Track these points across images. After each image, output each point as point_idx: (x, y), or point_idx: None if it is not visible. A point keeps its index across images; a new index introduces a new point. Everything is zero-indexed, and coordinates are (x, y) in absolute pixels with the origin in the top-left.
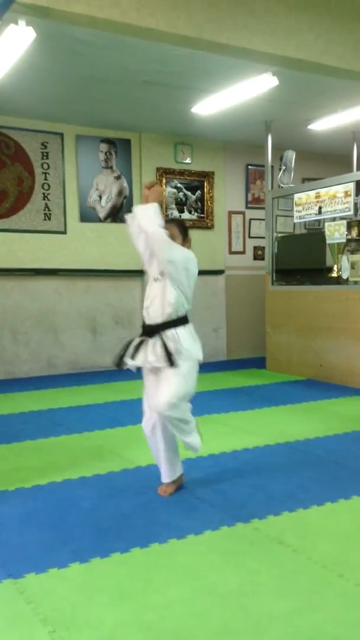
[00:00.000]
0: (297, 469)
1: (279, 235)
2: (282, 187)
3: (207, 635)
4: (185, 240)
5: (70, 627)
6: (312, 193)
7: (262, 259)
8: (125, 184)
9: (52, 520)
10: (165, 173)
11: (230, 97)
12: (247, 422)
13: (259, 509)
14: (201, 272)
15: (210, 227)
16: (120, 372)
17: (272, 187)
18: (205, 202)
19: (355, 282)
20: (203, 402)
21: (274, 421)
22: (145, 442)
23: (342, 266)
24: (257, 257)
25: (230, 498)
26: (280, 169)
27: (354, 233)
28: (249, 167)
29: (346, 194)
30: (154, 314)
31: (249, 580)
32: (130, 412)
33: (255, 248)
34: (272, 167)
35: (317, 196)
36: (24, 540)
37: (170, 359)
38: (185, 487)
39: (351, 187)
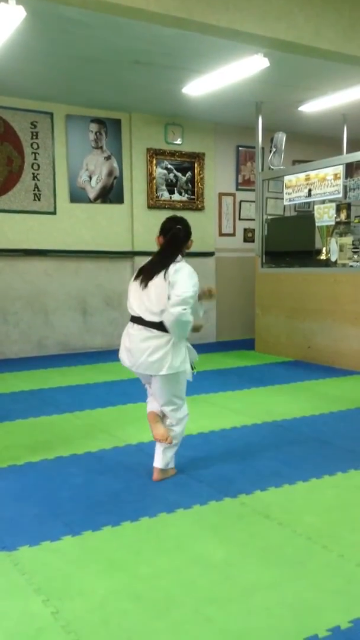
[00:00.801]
0: (283, 446)
1: (269, 217)
2: (272, 169)
3: (194, 603)
4: (188, 244)
5: (63, 596)
6: (302, 175)
7: (252, 241)
8: (115, 165)
9: (45, 495)
10: (155, 154)
11: (221, 78)
12: (235, 401)
13: (246, 485)
14: (191, 254)
15: (200, 209)
16: (110, 352)
17: (262, 169)
18: (196, 184)
19: (344, 265)
20: (193, 383)
21: (262, 401)
22: (136, 421)
23: (331, 249)
24: (247, 239)
25: (219, 474)
26: (270, 151)
27: (343, 216)
28: (240, 148)
29: (336, 177)
30: None
31: (236, 551)
32: (120, 392)
33: (245, 230)
34: (263, 148)
35: (307, 178)
36: (18, 514)
37: None
38: (175, 465)
39: (340, 169)
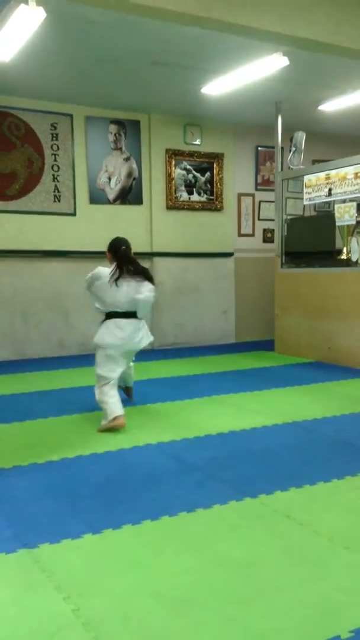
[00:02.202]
0: (304, 447)
1: (289, 217)
2: (292, 168)
3: (215, 602)
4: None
5: (84, 593)
6: (322, 175)
7: (272, 241)
8: (134, 166)
9: (65, 493)
10: (174, 154)
11: (240, 77)
12: (255, 402)
13: (267, 485)
14: (210, 255)
15: (219, 209)
16: None
17: (281, 169)
18: (215, 184)
19: None
20: (212, 384)
21: (282, 402)
22: (154, 422)
23: (352, 248)
24: (266, 239)
25: (239, 475)
26: (290, 151)
27: None
28: (259, 148)
29: (356, 176)
30: None
31: (256, 551)
32: (140, 393)
33: (264, 230)
34: (282, 148)
35: (327, 178)
36: (38, 512)
37: None
38: (195, 465)
39: None
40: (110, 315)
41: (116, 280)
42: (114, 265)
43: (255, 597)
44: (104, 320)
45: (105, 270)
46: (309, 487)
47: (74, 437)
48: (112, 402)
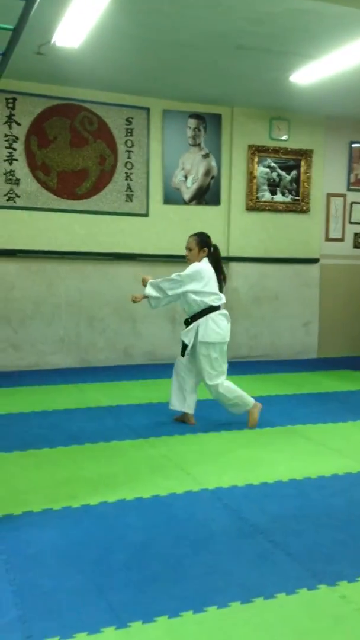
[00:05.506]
0: None
1: None
2: None
3: None
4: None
5: None
6: None
7: None
8: (213, 163)
9: (94, 557)
10: (257, 151)
11: (335, 63)
12: (337, 438)
13: (349, 566)
14: (292, 261)
15: (305, 211)
16: None
17: None
18: (301, 183)
19: None
20: (286, 409)
21: None
22: (217, 457)
23: None
24: (358, 245)
25: (313, 545)
26: None
27: None
28: (353, 144)
29: None
30: None
31: None
32: (201, 416)
33: (356, 235)
34: None
35: None
36: (56, 584)
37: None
38: (258, 525)
39: None
40: (210, 309)
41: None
42: (205, 261)
43: None
44: (195, 319)
45: (203, 264)
46: None
47: (120, 471)
48: (243, 391)
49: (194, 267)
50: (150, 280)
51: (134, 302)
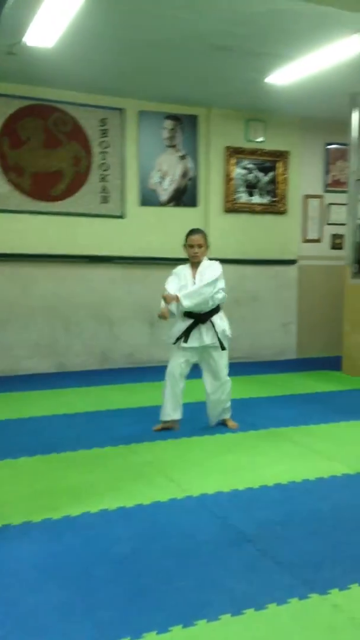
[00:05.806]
0: None
1: None
2: None
3: None
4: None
5: None
6: None
7: (341, 248)
8: (190, 165)
9: (77, 571)
10: (234, 152)
11: (312, 64)
12: (321, 439)
13: (339, 573)
14: (271, 262)
15: (282, 212)
16: None
17: (356, 168)
18: (278, 185)
19: None
20: (268, 411)
21: (355, 440)
22: (202, 462)
23: None
24: (335, 246)
25: (302, 553)
26: None
27: None
28: (329, 146)
29: None
30: None
31: None
32: (190, 419)
33: (333, 236)
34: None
35: None
36: (38, 601)
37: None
38: (245, 533)
39: None
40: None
41: None
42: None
43: None
44: (209, 315)
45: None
46: None
47: (102, 480)
48: None
49: (217, 265)
50: (182, 293)
51: (164, 319)
